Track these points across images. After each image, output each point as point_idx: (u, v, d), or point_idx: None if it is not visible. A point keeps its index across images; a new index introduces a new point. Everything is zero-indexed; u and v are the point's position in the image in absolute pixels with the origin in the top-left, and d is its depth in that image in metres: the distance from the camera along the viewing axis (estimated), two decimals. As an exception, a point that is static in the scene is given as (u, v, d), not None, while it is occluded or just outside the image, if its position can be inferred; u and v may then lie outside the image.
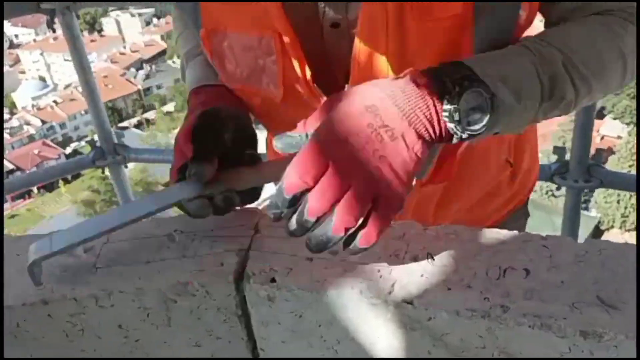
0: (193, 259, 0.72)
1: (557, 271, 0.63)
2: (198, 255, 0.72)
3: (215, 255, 0.72)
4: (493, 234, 0.69)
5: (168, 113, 34.81)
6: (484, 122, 0.63)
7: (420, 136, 0.61)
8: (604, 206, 24.88)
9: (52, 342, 0.72)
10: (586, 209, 25.11)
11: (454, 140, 0.64)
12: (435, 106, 0.62)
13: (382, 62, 0.74)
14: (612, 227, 24.91)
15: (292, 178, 0.59)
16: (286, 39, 0.75)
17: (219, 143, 0.76)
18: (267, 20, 0.75)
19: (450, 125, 0.62)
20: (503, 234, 0.69)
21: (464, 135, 0.63)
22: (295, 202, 0.60)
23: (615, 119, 30.85)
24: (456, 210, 0.99)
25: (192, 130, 0.76)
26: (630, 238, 23.45)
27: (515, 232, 0.69)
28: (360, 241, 0.59)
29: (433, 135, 0.62)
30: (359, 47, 0.74)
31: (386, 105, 0.61)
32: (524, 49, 0.71)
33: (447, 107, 0.62)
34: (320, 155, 0.59)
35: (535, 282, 0.62)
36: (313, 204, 0.58)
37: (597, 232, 24.27)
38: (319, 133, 0.61)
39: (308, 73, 0.77)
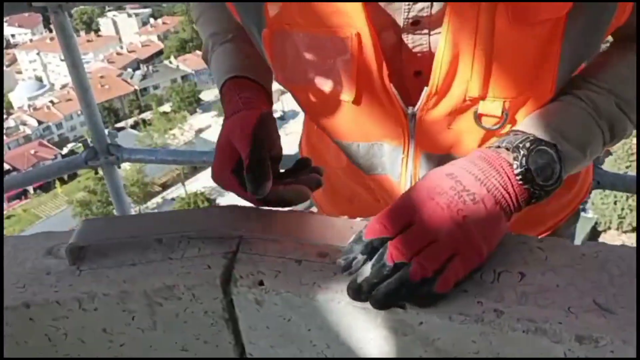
0: (180, 261, 0.70)
1: (553, 274, 0.61)
2: (185, 258, 0.70)
3: (202, 257, 0.70)
4: (487, 236, 0.67)
5: (164, 113, 34.71)
6: (556, 176, 0.67)
7: (497, 202, 0.64)
8: (601, 207, 24.92)
9: (35, 347, 0.71)
10: (583, 210, 25.07)
11: (533, 201, 0.67)
12: (506, 173, 0.65)
13: (465, 63, 0.72)
14: (609, 228, 24.97)
15: (375, 225, 0.62)
16: (365, 38, 0.72)
17: (274, 149, 0.78)
18: (343, 18, 0.72)
19: (526, 186, 0.66)
20: (497, 236, 0.67)
21: (542, 193, 0.67)
22: (370, 252, 0.61)
23: (611, 120, 30.81)
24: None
25: (252, 131, 0.77)
26: (628, 239, 23.50)
27: (511, 233, 0.67)
28: (438, 286, 0.59)
29: (509, 201, 0.65)
30: (443, 45, 0.71)
31: (464, 174, 0.65)
32: (575, 99, 0.74)
33: (518, 170, 0.66)
34: (405, 210, 0.62)
35: (531, 285, 0.61)
36: (395, 250, 0.60)
37: (594, 233, 24.31)
38: (403, 196, 0.64)
39: (385, 73, 0.75)
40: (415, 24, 0.74)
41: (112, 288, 0.67)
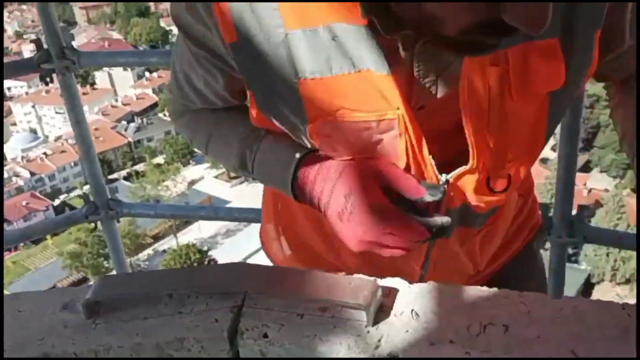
0: (189, 315, 0.75)
1: (535, 327, 0.67)
2: (194, 312, 0.75)
3: (210, 311, 0.75)
4: (473, 291, 0.73)
5: (158, 165, 34.89)
6: None
7: None
8: (594, 259, 24.92)
9: (50, 397, 0.74)
10: (576, 262, 25.14)
11: None
12: None
13: (485, 139, 0.81)
14: (603, 280, 24.90)
15: None
16: (407, 119, 0.78)
17: None
18: (385, 103, 0.77)
19: None
20: (482, 290, 0.73)
21: None
22: None
23: (602, 172, 31.30)
24: (495, 242, 1.09)
25: None
26: (622, 291, 23.41)
27: (495, 289, 0.73)
28: None
29: None
30: (472, 133, 0.79)
31: None
32: None
33: None
34: None
35: (514, 337, 0.66)
36: None
37: (588, 285, 24.23)
38: None
39: (425, 149, 0.81)
40: (421, 108, 0.82)
41: (126, 340, 0.72)
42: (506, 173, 0.86)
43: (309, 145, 0.86)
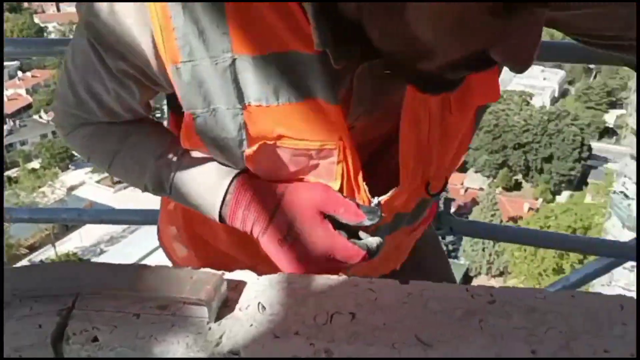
0: (8, 322, 0.66)
1: (381, 313, 0.65)
2: (14, 317, 0.67)
3: (34, 316, 0.67)
4: (323, 280, 0.70)
5: (33, 170, 32.74)
6: None
7: None
8: (471, 254, 26.52)
9: None
10: (456, 257, 26.60)
11: None
12: None
13: (424, 155, 0.83)
14: (480, 273, 26.55)
15: None
16: (348, 148, 0.77)
17: None
18: (329, 131, 0.76)
19: None
20: (332, 279, 0.70)
21: None
22: None
23: (477, 172, 33.39)
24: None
25: None
26: (497, 283, 25.06)
27: (345, 277, 0.71)
28: None
29: None
30: (407, 151, 0.81)
31: None
32: None
33: None
34: None
35: (360, 325, 0.64)
36: None
37: (467, 279, 25.70)
38: None
39: (360, 176, 0.80)
40: (351, 128, 0.80)
41: None
42: (443, 177, 0.91)
43: (238, 168, 0.82)
